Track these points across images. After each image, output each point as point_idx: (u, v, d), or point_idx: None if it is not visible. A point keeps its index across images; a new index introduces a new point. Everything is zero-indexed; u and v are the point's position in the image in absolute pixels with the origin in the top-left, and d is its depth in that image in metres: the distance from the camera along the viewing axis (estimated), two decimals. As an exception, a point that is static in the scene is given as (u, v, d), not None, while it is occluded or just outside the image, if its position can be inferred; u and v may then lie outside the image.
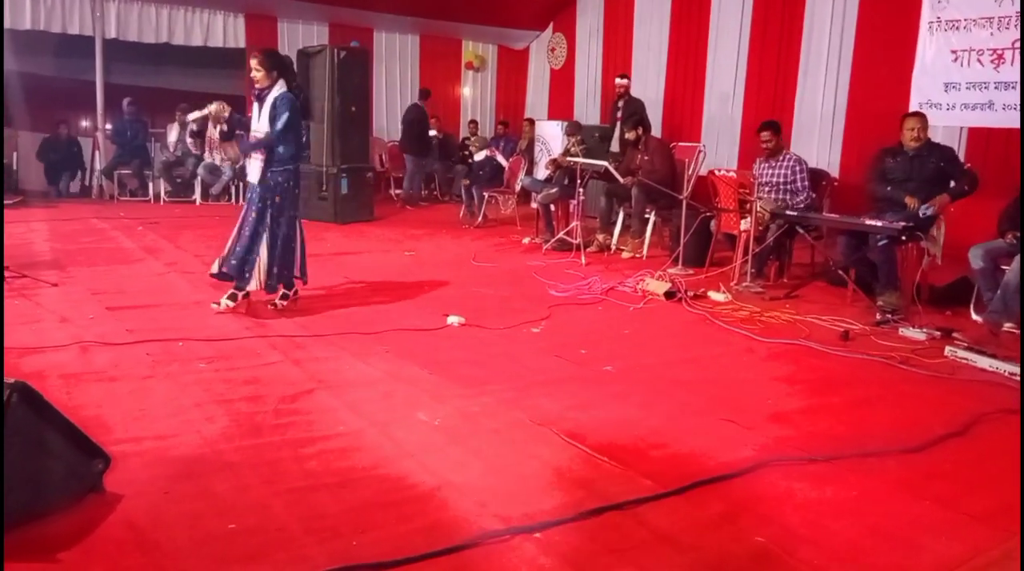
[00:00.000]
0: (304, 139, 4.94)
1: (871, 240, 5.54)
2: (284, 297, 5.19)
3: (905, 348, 4.63)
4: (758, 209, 6.01)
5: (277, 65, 5.04)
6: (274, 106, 4.91)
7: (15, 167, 10.85)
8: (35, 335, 4.29)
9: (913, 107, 7.35)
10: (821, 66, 8.68)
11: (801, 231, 6.23)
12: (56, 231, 7.95)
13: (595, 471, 2.88)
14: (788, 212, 6.07)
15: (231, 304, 5.01)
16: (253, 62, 5.01)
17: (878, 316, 5.22)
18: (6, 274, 5.41)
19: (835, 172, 8.16)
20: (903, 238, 5.28)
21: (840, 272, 5.99)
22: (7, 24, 10.18)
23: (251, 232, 5.03)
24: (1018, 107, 6.89)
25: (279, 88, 4.96)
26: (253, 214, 5.04)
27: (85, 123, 11.80)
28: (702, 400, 3.70)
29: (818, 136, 8.70)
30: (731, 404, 3.65)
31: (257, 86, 5.06)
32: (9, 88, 11.45)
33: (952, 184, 5.49)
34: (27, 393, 2.36)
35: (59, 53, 11.44)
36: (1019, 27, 6.87)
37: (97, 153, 11.31)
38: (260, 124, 4.98)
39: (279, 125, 4.88)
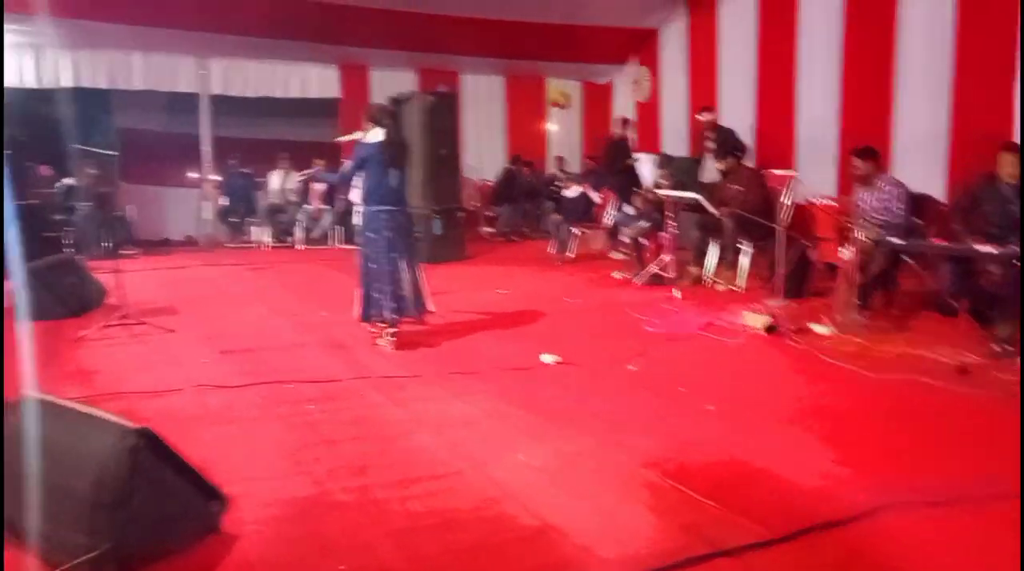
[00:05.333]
0: (380, 183, 5.31)
1: (984, 266, 5.26)
2: (388, 332, 5.37)
3: (1028, 381, 4.37)
4: (861, 237, 5.81)
5: (370, 117, 5.47)
6: None
7: (131, 219, 11.55)
8: (155, 379, 4.53)
9: (1018, 126, 6.97)
10: (919, 86, 8.36)
11: (908, 259, 5.98)
12: (170, 279, 8.39)
13: (701, 515, 2.82)
14: (893, 239, 5.85)
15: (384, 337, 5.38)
16: None
17: (996, 348, 4.94)
18: (127, 322, 5.75)
19: (940, 196, 7.81)
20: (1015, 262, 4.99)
21: (951, 301, 5.71)
22: (122, 85, 10.95)
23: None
24: None
25: (368, 137, 5.41)
26: None
27: (194, 175, 12.47)
28: (810, 440, 3.58)
29: (921, 159, 8.36)
30: (842, 444, 3.52)
31: None
32: (124, 144, 12.27)
33: None
34: (150, 438, 2.50)
35: (168, 110, 12.20)
36: None
37: (205, 203, 11.93)
38: None
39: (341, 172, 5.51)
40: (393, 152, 5.39)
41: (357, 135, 5.65)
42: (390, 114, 5.60)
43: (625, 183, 9.48)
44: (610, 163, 10.16)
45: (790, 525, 2.69)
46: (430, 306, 5.62)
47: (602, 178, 10.31)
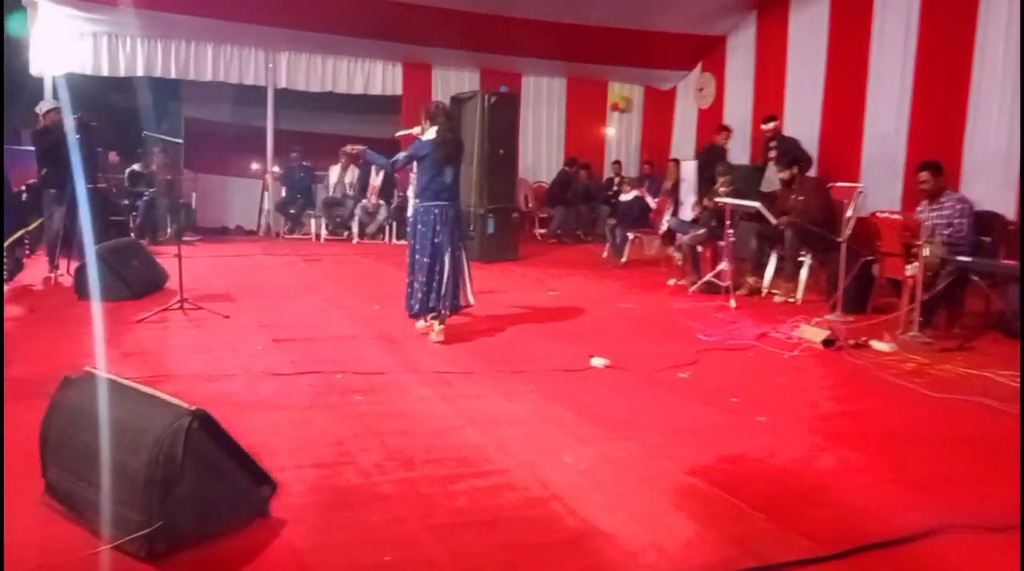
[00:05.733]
0: (434, 179, 5.41)
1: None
2: (435, 322, 5.48)
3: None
4: (927, 254, 5.64)
5: (428, 115, 5.57)
6: None
7: (194, 207, 11.86)
8: (211, 364, 4.63)
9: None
10: (993, 102, 8.09)
11: (974, 278, 5.79)
12: (228, 266, 8.58)
13: (749, 527, 2.76)
14: (960, 257, 5.67)
15: (423, 324, 5.57)
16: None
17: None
18: (186, 306, 5.90)
19: (1011, 214, 7.54)
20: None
21: (1017, 322, 5.50)
22: (193, 76, 11.23)
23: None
24: None
25: (425, 135, 5.51)
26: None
27: (256, 166, 12.75)
28: (865, 457, 3.48)
29: (992, 176, 8.08)
30: (897, 463, 3.41)
31: None
32: (191, 133, 12.60)
33: None
34: (206, 420, 2.53)
35: (235, 101, 12.48)
36: None
37: (266, 193, 12.17)
38: None
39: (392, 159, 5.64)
40: (448, 150, 5.44)
41: (416, 130, 5.75)
42: (446, 113, 5.65)
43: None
44: (702, 169, 9.72)
45: (842, 542, 2.61)
46: (470, 300, 5.69)
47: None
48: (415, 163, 5.54)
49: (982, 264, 5.67)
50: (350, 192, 11.68)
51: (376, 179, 11.44)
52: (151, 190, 10.49)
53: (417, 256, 5.45)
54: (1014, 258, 5.93)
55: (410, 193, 5.79)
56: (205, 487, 2.50)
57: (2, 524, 2.50)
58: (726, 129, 10.60)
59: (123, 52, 10.70)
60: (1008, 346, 5.54)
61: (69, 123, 7.18)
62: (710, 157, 9.88)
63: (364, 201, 11.44)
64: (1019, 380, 4.62)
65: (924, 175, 6.18)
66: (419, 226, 5.46)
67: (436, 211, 5.40)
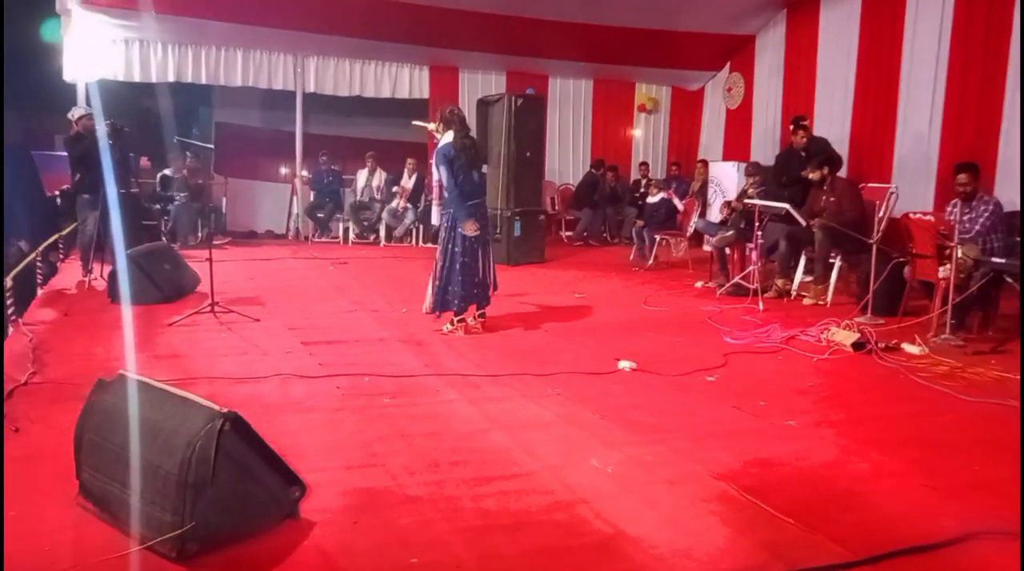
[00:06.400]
0: (464, 180, 5.65)
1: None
2: (456, 322, 5.70)
3: None
4: (960, 255, 5.56)
5: (443, 120, 5.72)
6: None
7: (224, 211, 12.01)
8: (241, 366, 4.68)
9: None
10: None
11: (1009, 280, 5.69)
12: (258, 270, 8.67)
13: (778, 532, 2.74)
14: (994, 259, 5.57)
15: (450, 327, 5.73)
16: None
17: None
18: (217, 309, 5.97)
19: (1049, 215, 7.40)
20: None
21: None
22: (223, 81, 11.37)
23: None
24: None
25: (443, 140, 5.65)
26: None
27: (284, 170, 12.88)
28: (896, 462, 3.43)
29: (1027, 176, 7.94)
30: (929, 468, 3.36)
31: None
32: (221, 138, 12.76)
33: None
34: (237, 422, 2.57)
35: (264, 106, 12.62)
36: None
37: (295, 197, 12.29)
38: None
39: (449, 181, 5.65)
40: (469, 156, 5.66)
41: (431, 127, 5.98)
42: (461, 119, 5.75)
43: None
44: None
45: (872, 548, 2.58)
46: (496, 285, 6.01)
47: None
48: (442, 170, 5.63)
49: (1016, 266, 5.56)
50: (377, 195, 11.76)
51: (408, 182, 11.51)
52: (182, 194, 10.64)
53: (464, 258, 5.62)
54: (1051, 259, 5.83)
55: (434, 199, 5.89)
56: (236, 488, 2.53)
57: (2, 526, 2.55)
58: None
59: (154, 58, 10.86)
60: (1044, 349, 5.44)
61: (101, 129, 7.31)
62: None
63: (391, 204, 11.51)
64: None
65: (964, 178, 6.06)
66: (458, 227, 5.61)
67: (471, 210, 5.62)
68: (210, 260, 6.09)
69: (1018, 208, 6.89)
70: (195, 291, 6.90)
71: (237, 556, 2.48)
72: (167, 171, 11.12)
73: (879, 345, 5.37)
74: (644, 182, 11.97)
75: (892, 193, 6.66)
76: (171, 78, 10.99)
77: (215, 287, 6.09)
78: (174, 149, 11.35)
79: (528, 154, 9.76)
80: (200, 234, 10.65)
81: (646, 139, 13.79)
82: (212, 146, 13.27)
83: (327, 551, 2.54)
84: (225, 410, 2.54)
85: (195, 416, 2.56)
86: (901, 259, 6.40)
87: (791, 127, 8.95)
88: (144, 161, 12.27)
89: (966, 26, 8.53)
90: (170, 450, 2.50)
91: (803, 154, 8.66)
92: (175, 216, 10.52)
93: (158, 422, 2.61)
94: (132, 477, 2.55)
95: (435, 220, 5.89)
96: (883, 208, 6.57)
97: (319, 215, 11.87)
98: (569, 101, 13.20)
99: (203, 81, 11.32)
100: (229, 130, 12.96)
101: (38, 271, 7.24)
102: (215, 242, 8.69)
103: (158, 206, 10.55)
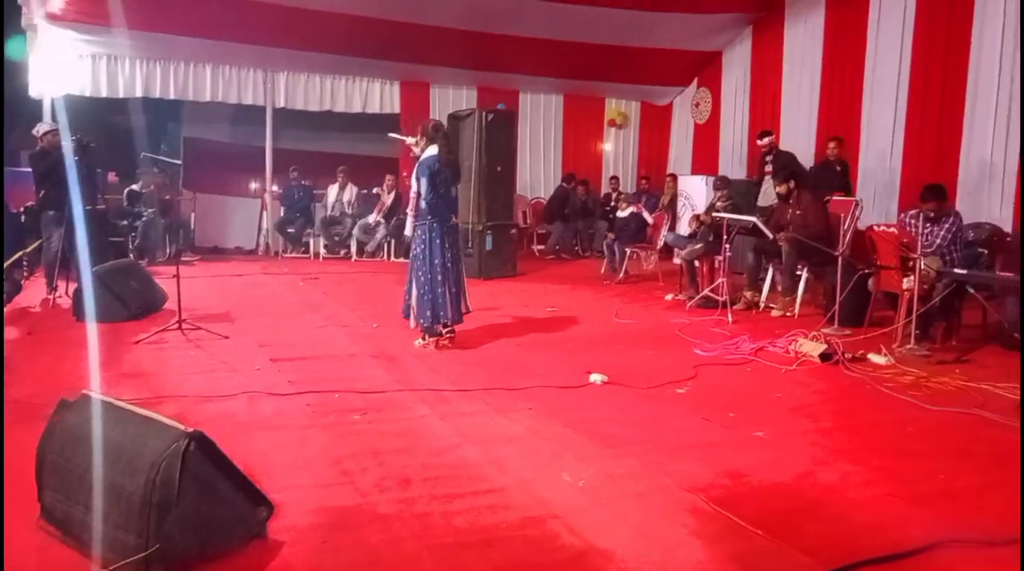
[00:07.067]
0: (441, 196, 5.65)
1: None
2: (427, 336, 5.69)
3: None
4: (923, 266, 5.66)
5: (424, 133, 5.68)
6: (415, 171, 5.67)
7: (192, 226, 11.87)
8: (209, 384, 4.62)
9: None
10: (989, 114, 8.14)
11: (971, 291, 5.80)
12: (227, 286, 8.59)
13: (748, 544, 2.75)
14: (956, 270, 5.68)
15: (422, 342, 5.70)
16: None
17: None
18: (185, 326, 5.90)
19: (1007, 227, 7.57)
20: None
21: (1015, 335, 5.51)
22: (192, 97, 11.28)
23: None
24: None
25: (426, 154, 5.61)
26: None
27: (254, 185, 12.78)
28: (864, 471, 3.48)
29: (988, 189, 8.13)
30: (896, 476, 3.41)
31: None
32: (189, 153, 12.64)
33: None
34: (203, 442, 2.53)
35: (233, 121, 12.53)
36: None
37: (264, 213, 12.19)
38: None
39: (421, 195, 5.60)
40: (453, 170, 5.70)
41: (410, 140, 5.88)
42: (445, 133, 5.76)
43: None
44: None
45: (841, 558, 2.61)
46: (468, 307, 5.97)
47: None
48: (423, 181, 5.58)
49: (979, 276, 5.68)
50: (348, 210, 11.71)
51: (388, 197, 11.46)
52: (149, 210, 10.52)
53: (437, 273, 5.60)
54: (1011, 270, 5.95)
55: (409, 211, 5.84)
56: (202, 509, 2.50)
57: (2, 548, 2.49)
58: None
59: (122, 73, 10.77)
60: (1006, 358, 5.55)
61: (67, 145, 7.22)
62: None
63: (363, 219, 11.47)
64: (1019, 392, 4.62)
65: (932, 206, 6.13)
66: (436, 240, 5.60)
67: (445, 227, 5.64)
68: (177, 276, 6.02)
69: (983, 219, 7.04)
70: (163, 308, 6.81)
71: (203, 578, 2.45)
72: (134, 186, 10.98)
73: (846, 356, 5.45)
74: (614, 196, 12.07)
75: (857, 206, 6.77)
76: (139, 93, 10.91)
77: (184, 304, 6.02)
78: (143, 164, 11.21)
79: (499, 168, 9.79)
80: (168, 250, 10.53)
81: (616, 153, 13.91)
82: (180, 162, 13.13)
83: (296, 570, 2.51)
84: (190, 429, 2.51)
85: (159, 436, 2.53)
86: (866, 271, 6.51)
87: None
88: (111, 176, 12.12)
89: (927, 42, 8.74)
90: (134, 471, 2.46)
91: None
92: (143, 232, 10.38)
93: (122, 442, 2.57)
94: (95, 499, 2.51)
95: (408, 231, 5.82)
96: (848, 221, 6.69)
97: (289, 230, 11.78)
98: (540, 116, 13.29)
99: (171, 96, 11.25)
100: (198, 145, 12.82)
101: (3, 290, 7.10)
102: (183, 258, 8.61)
103: (125, 222, 10.41)
